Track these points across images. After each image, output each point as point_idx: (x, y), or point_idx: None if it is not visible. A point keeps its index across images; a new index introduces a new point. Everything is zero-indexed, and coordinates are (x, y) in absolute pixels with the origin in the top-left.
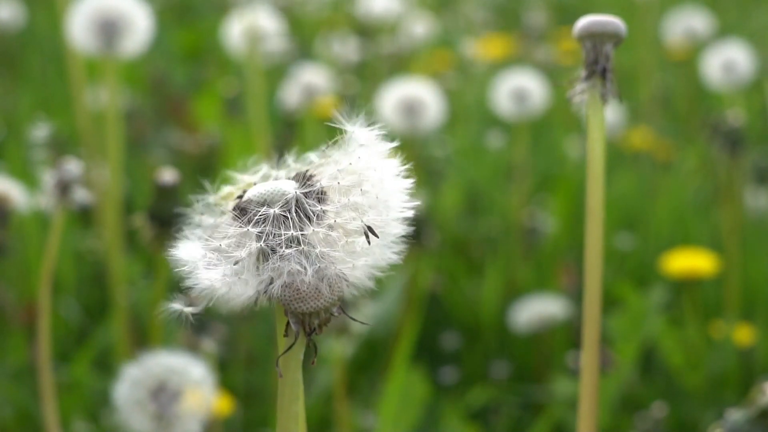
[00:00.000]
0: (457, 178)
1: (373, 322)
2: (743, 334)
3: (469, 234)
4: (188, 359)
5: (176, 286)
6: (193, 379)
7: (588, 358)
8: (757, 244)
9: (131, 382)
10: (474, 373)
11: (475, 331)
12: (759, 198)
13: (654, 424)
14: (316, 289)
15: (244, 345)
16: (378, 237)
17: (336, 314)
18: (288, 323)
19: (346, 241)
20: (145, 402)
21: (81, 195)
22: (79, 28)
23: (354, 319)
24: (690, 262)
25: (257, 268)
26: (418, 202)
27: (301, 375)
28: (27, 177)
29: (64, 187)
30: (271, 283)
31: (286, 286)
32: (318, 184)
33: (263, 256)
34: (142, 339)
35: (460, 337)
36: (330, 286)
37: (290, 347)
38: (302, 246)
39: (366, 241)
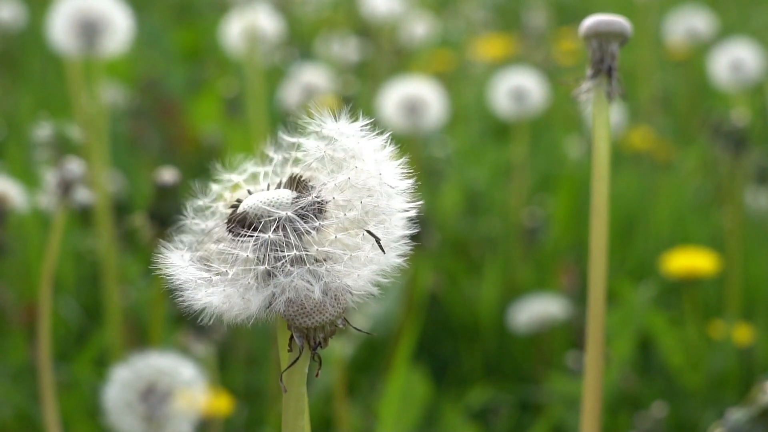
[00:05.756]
0: (457, 178)
1: (374, 323)
2: (743, 334)
3: (469, 234)
4: (178, 360)
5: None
6: (184, 380)
7: (591, 354)
8: (757, 244)
9: (121, 383)
10: (474, 373)
11: (475, 331)
12: (759, 198)
13: (654, 424)
14: (321, 303)
15: (244, 345)
16: (384, 252)
17: (341, 326)
18: (291, 337)
19: (351, 255)
20: (135, 404)
21: (82, 195)
22: (60, 30)
23: (357, 329)
24: (690, 261)
25: (260, 286)
26: (420, 201)
27: (305, 389)
28: (27, 177)
29: (65, 187)
30: (274, 299)
31: (290, 302)
32: (316, 197)
33: (267, 274)
34: (142, 339)
35: (460, 337)
36: (335, 300)
37: (294, 362)
38: (307, 264)
39: (370, 250)
